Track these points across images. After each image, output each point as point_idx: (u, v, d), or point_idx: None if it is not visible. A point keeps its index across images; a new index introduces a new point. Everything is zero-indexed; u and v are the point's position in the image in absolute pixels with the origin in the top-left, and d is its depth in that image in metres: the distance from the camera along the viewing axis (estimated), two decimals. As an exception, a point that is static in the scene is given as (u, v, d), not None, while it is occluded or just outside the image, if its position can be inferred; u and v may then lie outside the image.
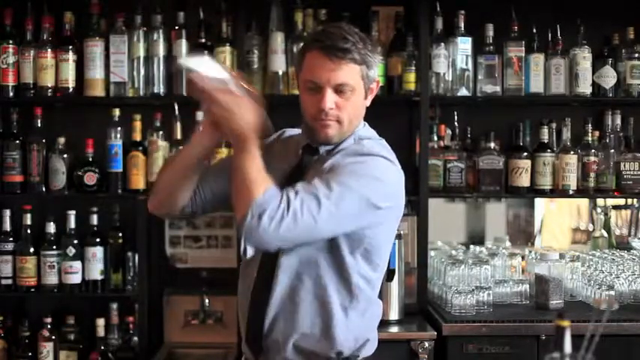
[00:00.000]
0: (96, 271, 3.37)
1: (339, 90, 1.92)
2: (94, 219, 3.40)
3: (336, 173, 1.88)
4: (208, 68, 1.85)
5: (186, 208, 2.08)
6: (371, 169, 1.92)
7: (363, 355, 2.01)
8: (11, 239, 3.39)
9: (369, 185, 1.88)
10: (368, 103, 2.02)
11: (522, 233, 3.87)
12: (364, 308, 1.99)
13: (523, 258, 3.49)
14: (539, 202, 3.86)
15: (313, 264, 1.93)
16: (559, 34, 3.41)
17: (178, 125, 3.39)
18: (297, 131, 2.13)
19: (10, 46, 3.32)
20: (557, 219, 3.94)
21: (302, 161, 2.03)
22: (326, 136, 1.97)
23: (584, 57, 3.37)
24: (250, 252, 1.83)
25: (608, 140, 3.48)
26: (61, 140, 3.36)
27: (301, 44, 2.10)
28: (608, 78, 3.40)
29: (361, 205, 1.86)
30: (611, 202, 3.72)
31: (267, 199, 1.77)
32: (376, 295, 2.04)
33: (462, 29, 3.36)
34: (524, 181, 3.39)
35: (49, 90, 3.31)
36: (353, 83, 1.92)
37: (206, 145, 1.99)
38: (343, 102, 1.93)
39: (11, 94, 3.33)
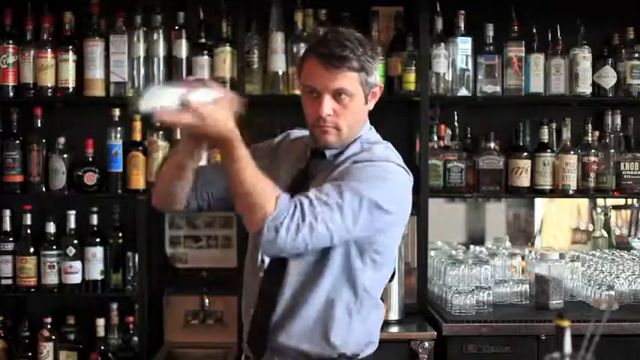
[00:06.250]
0: (96, 271, 3.37)
1: (337, 96, 1.92)
2: (94, 219, 3.40)
3: (348, 179, 1.87)
4: (164, 98, 1.74)
5: (191, 204, 2.07)
6: (382, 174, 1.92)
7: (362, 355, 2.01)
8: (11, 239, 3.39)
9: (380, 191, 1.88)
10: (370, 107, 2.02)
11: (522, 233, 3.87)
12: (368, 312, 2.00)
13: (523, 258, 3.49)
14: (539, 202, 3.85)
15: (322, 267, 1.93)
16: (559, 34, 3.41)
17: (178, 125, 3.38)
18: (303, 132, 2.13)
19: (10, 46, 3.32)
20: (557, 219, 3.94)
21: (309, 164, 2.03)
22: (325, 142, 1.97)
23: (584, 57, 3.37)
24: (267, 262, 1.89)
25: (608, 140, 3.48)
26: (61, 140, 3.36)
27: (302, 45, 2.11)
28: (608, 78, 3.40)
29: (373, 212, 1.86)
30: (611, 202, 3.73)
31: (281, 211, 1.76)
32: (379, 299, 2.05)
33: (462, 29, 3.36)
34: (524, 181, 3.39)
35: (49, 90, 3.31)
36: (351, 89, 1.92)
37: (192, 152, 1.94)
38: (341, 109, 1.93)
39: (11, 94, 3.33)
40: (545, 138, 3.41)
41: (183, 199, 2.05)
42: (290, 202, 1.78)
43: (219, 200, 2.10)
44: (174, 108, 1.73)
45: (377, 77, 1.98)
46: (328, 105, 1.91)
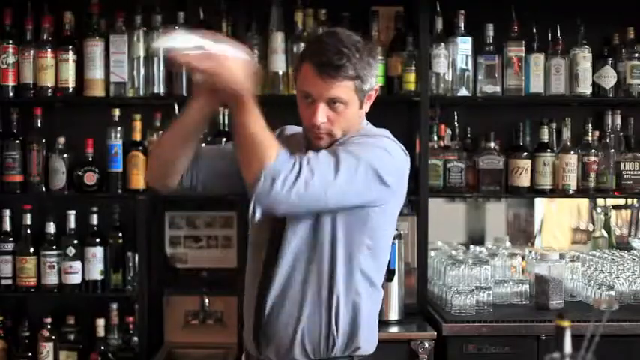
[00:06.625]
0: (96, 271, 3.37)
1: (331, 104, 1.92)
2: (94, 219, 3.41)
3: (346, 145, 1.91)
4: (183, 41, 1.78)
5: (184, 182, 2.04)
6: (379, 144, 1.95)
7: (363, 350, 2.01)
8: (11, 239, 3.39)
9: (376, 158, 1.90)
10: (367, 109, 2.03)
11: (522, 233, 3.87)
12: (365, 302, 1.99)
13: (523, 258, 3.49)
14: (539, 202, 3.86)
15: (318, 250, 1.94)
16: (559, 34, 3.41)
17: (178, 125, 3.38)
18: (297, 129, 2.13)
19: (10, 46, 3.32)
20: (557, 219, 3.94)
21: None
22: (319, 147, 1.97)
23: (584, 57, 3.37)
24: (258, 215, 1.81)
25: (608, 140, 3.48)
26: (61, 140, 3.37)
27: (302, 45, 2.11)
28: (608, 78, 3.40)
29: (368, 177, 1.87)
30: (611, 202, 3.73)
31: (280, 163, 1.78)
32: (379, 285, 2.05)
33: (462, 29, 3.36)
34: (524, 181, 3.39)
35: (49, 90, 3.31)
36: (346, 98, 1.92)
37: (205, 110, 1.93)
38: (335, 116, 1.93)
39: (11, 94, 3.33)
40: (545, 138, 3.42)
41: (178, 174, 2.01)
42: (290, 158, 1.80)
43: (212, 182, 2.07)
44: (191, 50, 1.75)
45: (373, 82, 1.98)
46: (322, 113, 1.92)
